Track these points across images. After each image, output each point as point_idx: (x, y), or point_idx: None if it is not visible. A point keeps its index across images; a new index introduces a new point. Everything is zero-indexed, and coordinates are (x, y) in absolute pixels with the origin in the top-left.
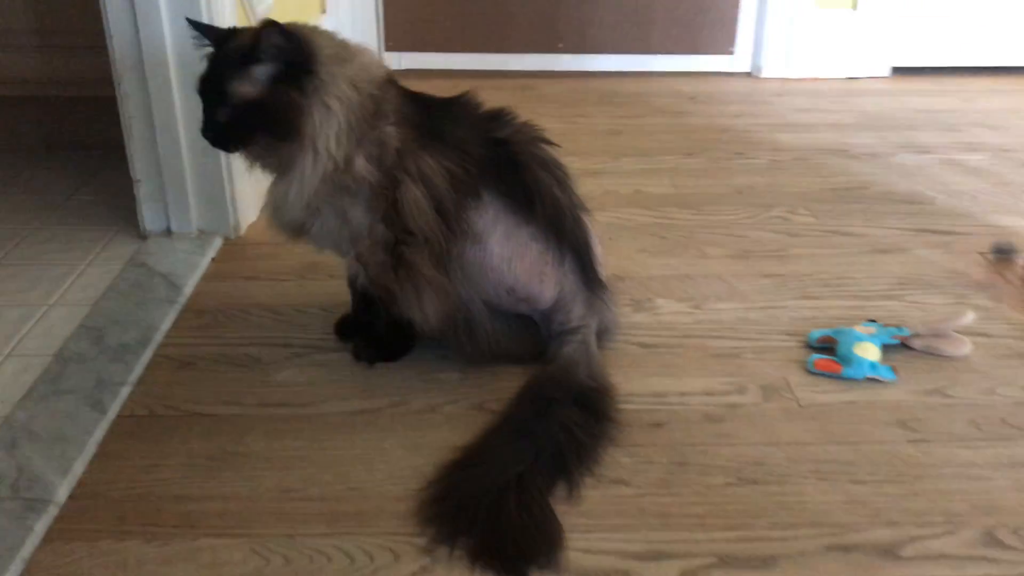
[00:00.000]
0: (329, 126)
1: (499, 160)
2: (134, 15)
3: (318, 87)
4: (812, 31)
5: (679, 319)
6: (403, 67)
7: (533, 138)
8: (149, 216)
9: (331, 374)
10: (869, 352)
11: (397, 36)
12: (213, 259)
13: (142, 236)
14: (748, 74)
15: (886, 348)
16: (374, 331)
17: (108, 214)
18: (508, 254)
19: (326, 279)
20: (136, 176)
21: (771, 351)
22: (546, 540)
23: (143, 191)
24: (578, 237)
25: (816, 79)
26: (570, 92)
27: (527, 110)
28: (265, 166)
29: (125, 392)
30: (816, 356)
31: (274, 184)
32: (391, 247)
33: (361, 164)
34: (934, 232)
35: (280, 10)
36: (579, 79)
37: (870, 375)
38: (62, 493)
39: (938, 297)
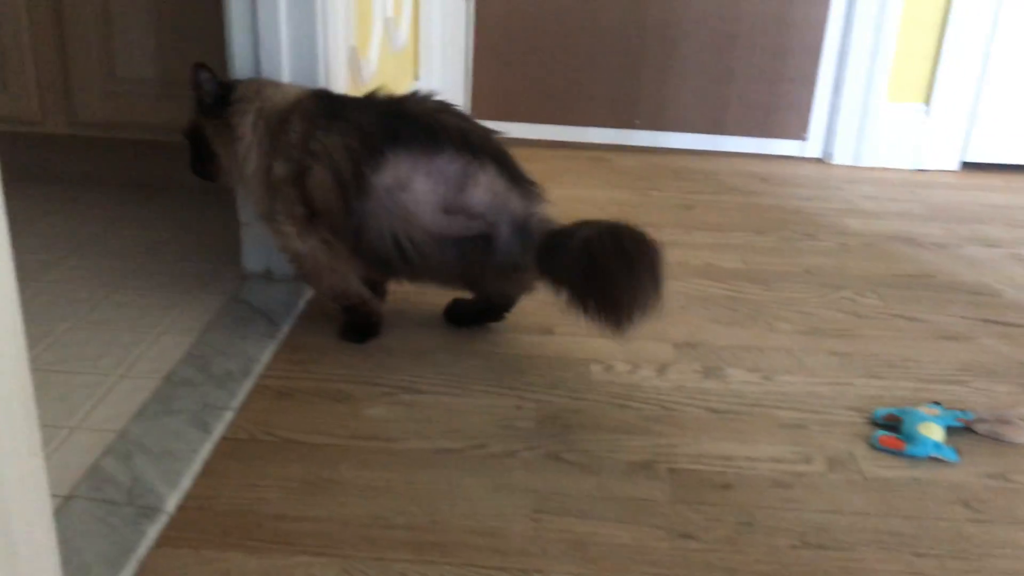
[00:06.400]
0: (235, 152)
1: (401, 123)
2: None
3: (232, 115)
4: (884, 123)
5: (748, 388)
6: None
7: (437, 105)
8: (251, 257)
9: (417, 413)
10: (933, 432)
11: (483, 105)
12: (307, 301)
13: (243, 275)
14: (819, 160)
15: (950, 430)
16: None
17: (211, 253)
18: (432, 184)
19: (411, 326)
20: (243, 219)
21: (837, 424)
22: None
23: (248, 234)
24: (492, 146)
25: (886, 169)
26: (644, 166)
27: (601, 180)
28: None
29: (228, 416)
30: (881, 432)
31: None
32: (306, 223)
33: (278, 166)
34: (1000, 323)
35: (380, 77)
36: (653, 155)
37: (933, 454)
38: (171, 503)
39: (1002, 386)
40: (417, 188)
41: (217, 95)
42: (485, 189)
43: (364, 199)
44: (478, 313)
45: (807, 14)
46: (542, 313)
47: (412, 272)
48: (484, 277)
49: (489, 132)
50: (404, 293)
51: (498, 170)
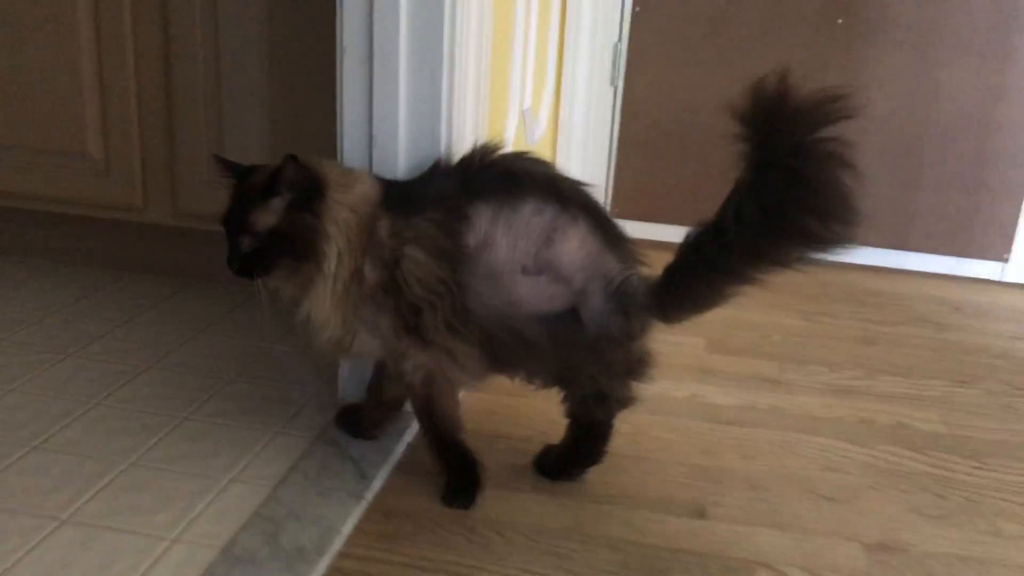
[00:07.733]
0: (331, 248)
1: (475, 178)
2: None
3: (325, 211)
4: None
5: None
6: None
7: (514, 153)
8: (349, 384)
9: None
10: None
11: (625, 203)
12: (409, 444)
13: (338, 403)
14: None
15: None
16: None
17: (309, 371)
18: (514, 239)
19: (528, 489)
20: None
21: None
22: None
23: (347, 358)
24: (583, 196)
25: None
26: (814, 285)
27: (761, 300)
28: (285, 293)
29: None
30: None
31: (299, 310)
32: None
33: (369, 270)
34: None
35: None
36: (825, 270)
37: None
38: None
39: None
40: (499, 243)
41: (305, 188)
42: (577, 245)
43: (469, 268)
44: (572, 450)
45: (1015, 114)
46: (692, 487)
47: (517, 357)
48: (573, 358)
49: (579, 182)
50: (524, 443)
51: (591, 225)
